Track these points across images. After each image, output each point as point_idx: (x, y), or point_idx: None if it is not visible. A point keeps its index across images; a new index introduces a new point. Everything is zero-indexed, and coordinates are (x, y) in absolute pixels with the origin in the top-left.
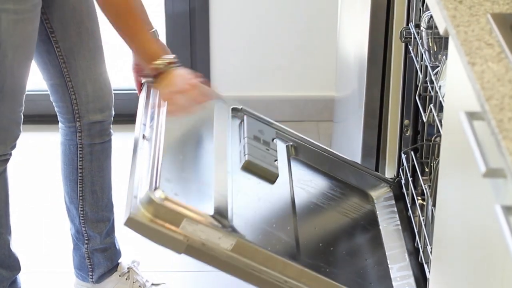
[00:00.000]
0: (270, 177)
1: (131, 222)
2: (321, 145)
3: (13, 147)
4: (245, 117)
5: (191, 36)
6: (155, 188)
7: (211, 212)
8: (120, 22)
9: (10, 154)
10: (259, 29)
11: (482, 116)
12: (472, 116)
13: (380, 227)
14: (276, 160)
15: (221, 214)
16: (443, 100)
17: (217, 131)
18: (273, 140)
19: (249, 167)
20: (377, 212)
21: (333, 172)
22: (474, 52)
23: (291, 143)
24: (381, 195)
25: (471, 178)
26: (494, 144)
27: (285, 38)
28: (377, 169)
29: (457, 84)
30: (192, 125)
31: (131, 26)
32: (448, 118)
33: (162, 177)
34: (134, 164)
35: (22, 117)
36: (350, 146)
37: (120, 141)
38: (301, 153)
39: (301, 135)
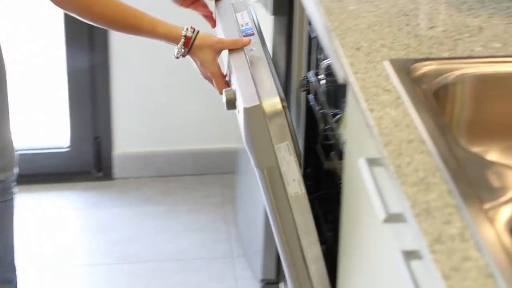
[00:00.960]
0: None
1: (255, 110)
2: None
3: None
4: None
5: (92, 92)
6: (280, 98)
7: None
8: (129, 29)
9: None
10: (160, 84)
11: (381, 162)
12: (371, 162)
13: None
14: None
15: (300, 163)
16: (344, 148)
17: None
18: None
19: None
20: None
21: None
22: (372, 99)
23: None
24: None
25: (372, 225)
26: (393, 190)
27: (186, 93)
28: None
29: (356, 131)
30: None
31: (141, 24)
32: (348, 165)
33: (280, 92)
34: (244, 67)
35: None
36: (254, 196)
37: (24, 201)
38: None
39: None
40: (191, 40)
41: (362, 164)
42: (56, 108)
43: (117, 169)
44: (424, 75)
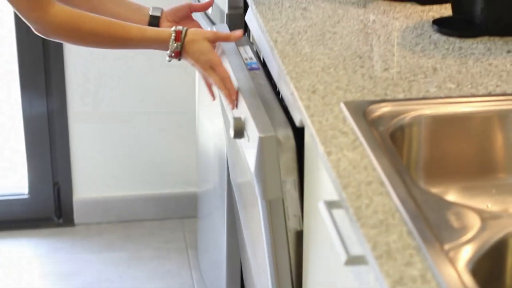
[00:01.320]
0: None
1: (269, 140)
2: None
3: None
4: None
5: (50, 137)
6: (293, 132)
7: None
8: (119, 41)
9: None
10: (119, 128)
11: (340, 204)
12: (330, 205)
13: None
14: None
15: (302, 201)
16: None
17: None
18: None
19: None
20: None
21: None
22: (329, 141)
23: None
24: None
25: (335, 267)
26: (354, 232)
27: (145, 137)
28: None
29: (315, 174)
30: None
31: (127, 37)
32: (308, 208)
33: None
34: (254, 97)
35: None
36: (216, 240)
37: None
38: None
39: None
40: (182, 34)
41: (322, 207)
42: (14, 155)
43: (78, 215)
44: (380, 117)
